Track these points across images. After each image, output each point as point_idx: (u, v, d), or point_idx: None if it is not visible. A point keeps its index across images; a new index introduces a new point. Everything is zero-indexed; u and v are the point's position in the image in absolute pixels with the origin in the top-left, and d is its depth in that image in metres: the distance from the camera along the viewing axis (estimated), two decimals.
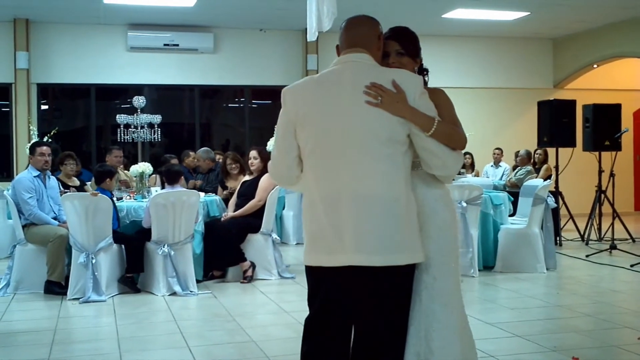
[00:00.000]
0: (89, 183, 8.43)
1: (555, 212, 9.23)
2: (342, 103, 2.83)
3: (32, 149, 7.40)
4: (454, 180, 3.07)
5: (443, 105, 2.95)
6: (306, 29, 5.74)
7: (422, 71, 3.19)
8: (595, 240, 10.26)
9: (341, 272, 2.83)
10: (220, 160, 10.04)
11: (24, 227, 7.05)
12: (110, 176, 7.34)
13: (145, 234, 7.00)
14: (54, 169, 7.91)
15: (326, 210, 2.83)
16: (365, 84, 2.80)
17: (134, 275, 7.01)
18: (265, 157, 7.88)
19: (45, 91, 12.77)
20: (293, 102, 2.95)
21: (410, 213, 2.82)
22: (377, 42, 2.98)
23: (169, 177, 7.31)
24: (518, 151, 11.77)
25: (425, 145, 2.82)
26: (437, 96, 2.98)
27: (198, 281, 7.14)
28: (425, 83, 3.16)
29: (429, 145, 2.81)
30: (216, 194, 8.53)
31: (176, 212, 6.86)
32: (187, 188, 8.44)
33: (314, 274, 2.96)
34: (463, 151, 2.96)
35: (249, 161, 7.90)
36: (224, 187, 8.63)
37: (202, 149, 9.87)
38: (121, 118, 8.50)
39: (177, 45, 12.54)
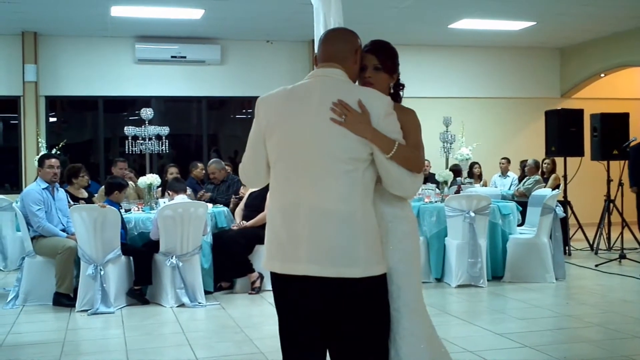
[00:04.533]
0: (96, 195, 8.45)
1: (564, 222, 9.20)
2: (307, 117, 2.86)
3: (41, 161, 7.42)
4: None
5: (409, 127, 2.97)
6: (313, 40, 5.75)
7: (398, 86, 3.20)
8: (604, 250, 10.21)
9: (298, 282, 2.86)
10: (232, 172, 10.07)
11: (32, 239, 7.07)
12: (118, 189, 7.36)
13: (153, 245, 7.01)
14: (62, 181, 7.93)
15: (284, 220, 2.88)
16: (333, 100, 2.83)
17: (142, 287, 7.01)
18: None
19: (54, 103, 12.82)
20: (264, 111, 3.01)
21: (368, 227, 2.84)
22: (354, 57, 3.00)
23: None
24: (524, 160, 11.74)
25: (384, 167, 2.85)
26: (406, 116, 3.00)
27: (206, 292, 7.14)
28: (400, 98, 3.20)
29: (388, 167, 2.85)
30: (227, 205, 8.52)
31: (184, 223, 6.87)
32: (196, 199, 8.45)
33: (272, 279, 3.01)
34: (421, 174, 3.00)
35: None
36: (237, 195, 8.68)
37: (214, 160, 9.82)
38: (129, 130, 8.51)
39: (185, 57, 12.58)
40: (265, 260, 2.99)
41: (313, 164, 2.83)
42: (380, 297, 2.92)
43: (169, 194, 7.65)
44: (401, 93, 3.21)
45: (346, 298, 2.82)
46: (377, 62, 3.07)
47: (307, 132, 2.85)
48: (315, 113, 2.84)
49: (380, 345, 2.93)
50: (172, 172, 9.76)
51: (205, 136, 13.41)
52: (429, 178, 10.44)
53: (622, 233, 9.76)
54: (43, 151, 10.20)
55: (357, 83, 3.06)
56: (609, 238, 10.37)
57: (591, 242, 10.40)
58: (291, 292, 2.93)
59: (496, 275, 8.04)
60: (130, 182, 9.14)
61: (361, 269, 2.80)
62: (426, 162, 10.57)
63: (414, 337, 2.95)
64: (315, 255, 2.79)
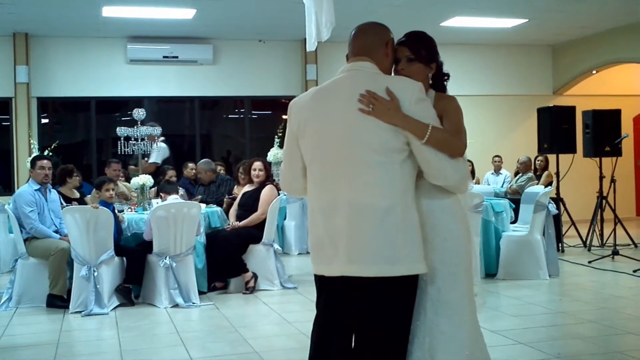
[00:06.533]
0: (88, 196, 8.43)
1: (557, 219, 9.22)
2: (336, 112, 2.83)
3: (33, 162, 7.41)
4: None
5: (450, 113, 2.91)
6: (305, 39, 5.74)
7: (442, 76, 3.12)
8: (597, 246, 10.23)
9: (339, 282, 2.83)
10: (222, 172, 10.07)
11: (25, 241, 7.05)
12: (99, 187, 7.24)
13: (147, 246, 7.00)
14: (55, 183, 7.90)
15: (323, 220, 2.84)
16: (361, 92, 2.78)
17: (131, 287, 6.98)
18: (269, 168, 7.91)
19: (46, 105, 12.77)
20: (295, 114, 2.98)
21: (409, 223, 2.77)
22: (384, 49, 2.95)
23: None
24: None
25: (421, 154, 2.78)
26: (446, 103, 2.95)
27: (200, 293, 7.13)
28: (444, 88, 3.11)
29: (425, 154, 2.77)
30: (219, 205, 8.52)
31: (177, 224, 6.85)
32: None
33: (317, 281, 3.00)
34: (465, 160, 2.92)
35: (254, 172, 7.90)
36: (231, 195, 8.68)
37: (203, 160, 9.85)
38: (121, 130, 8.50)
39: (177, 57, 12.55)
40: (313, 263, 2.96)
41: (347, 158, 2.78)
42: (411, 295, 2.85)
43: (161, 197, 7.64)
44: (445, 83, 3.11)
45: (383, 296, 2.76)
46: (409, 53, 3.00)
47: (338, 127, 2.80)
48: (345, 106, 2.80)
49: (401, 342, 2.86)
50: (170, 174, 9.74)
51: (197, 136, 13.39)
52: None
53: (614, 229, 9.79)
54: (35, 153, 10.17)
55: None
56: (601, 234, 10.39)
57: (584, 239, 10.43)
58: (331, 291, 2.90)
59: (489, 272, 8.05)
60: (120, 184, 9.11)
61: (402, 267, 2.74)
62: None
63: (454, 344, 2.83)
64: (354, 254, 2.74)
